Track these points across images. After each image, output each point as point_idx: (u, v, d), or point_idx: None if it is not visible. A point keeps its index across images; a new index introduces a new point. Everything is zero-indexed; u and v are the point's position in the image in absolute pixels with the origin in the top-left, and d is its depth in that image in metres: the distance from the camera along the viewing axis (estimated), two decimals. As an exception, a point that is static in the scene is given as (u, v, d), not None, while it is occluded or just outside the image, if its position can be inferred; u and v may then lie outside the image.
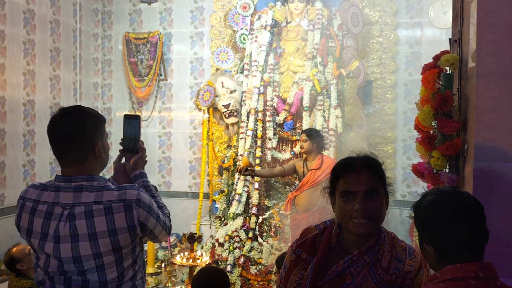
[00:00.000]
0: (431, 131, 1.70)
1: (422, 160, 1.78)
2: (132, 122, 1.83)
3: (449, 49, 1.82)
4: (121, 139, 1.84)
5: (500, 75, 1.48)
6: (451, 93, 1.64)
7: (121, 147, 1.84)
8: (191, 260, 3.54)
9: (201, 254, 3.72)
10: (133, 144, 1.81)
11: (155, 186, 1.86)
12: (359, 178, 1.43)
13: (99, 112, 6.28)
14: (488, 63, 1.48)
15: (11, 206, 4.71)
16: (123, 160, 1.84)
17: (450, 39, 1.81)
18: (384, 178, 1.50)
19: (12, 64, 4.94)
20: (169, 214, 1.80)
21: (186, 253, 3.72)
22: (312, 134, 4.46)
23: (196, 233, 3.82)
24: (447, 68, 1.70)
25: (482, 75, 1.49)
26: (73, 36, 6.04)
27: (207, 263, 3.59)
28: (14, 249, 3.11)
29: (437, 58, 1.71)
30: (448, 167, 1.68)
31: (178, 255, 3.64)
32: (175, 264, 3.71)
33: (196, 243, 4.94)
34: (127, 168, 1.83)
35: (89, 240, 1.55)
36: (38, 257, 1.64)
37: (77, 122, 1.63)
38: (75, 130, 1.62)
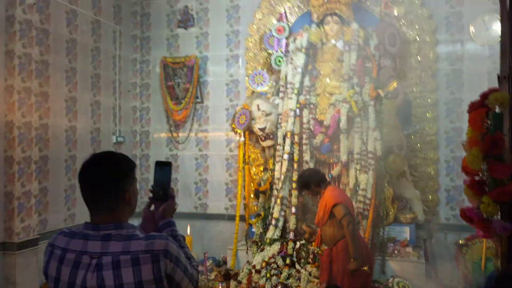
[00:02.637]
0: (480, 174, 1.59)
1: (470, 205, 1.66)
2: (163, 169, 1.82)
3: (497, 85, 1.71)
4: (151, 186, 1.83)
5: (558, 118, 1.37)
6: (502, 134, 1.54)
7: (150, 194, 1.83)
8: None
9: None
10: (163, 191, 1.79)
11: (183, 236, 1.82)
12: None
13: (138, 134, 6.43)
14: (543, 104, 1.37)
15: (53, 231, 4.82)
16: (153, 207, 1.82)
17: (498, 75, 1.69)
18: None
19: (54, 92, 5.11)
20: (197, 266, 1.76)
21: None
22: (300, 183, 4.23)
23: (232, 270, 3.75)
24: (497, 107, 1.60)
25: (536, 118, 1.38)
26: (113, 62, 6.21)
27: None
28: None
29: (484, 96, 1.61)
30: (500, 213, 1.56)
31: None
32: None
33: (232, 268, 4.90)
34: (156, 216, 1.81)
35: None
36: None
37: (109, 169, 1.63)
38: (107, 177, 1.61)
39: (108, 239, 1.57)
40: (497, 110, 1.62)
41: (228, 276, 3.63)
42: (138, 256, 1.54)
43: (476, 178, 1.59)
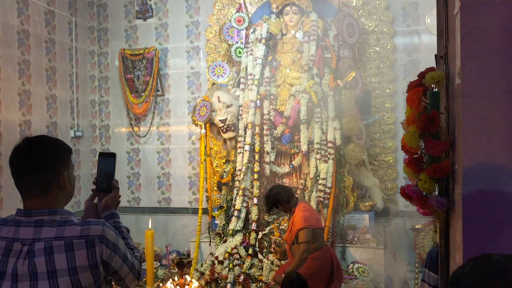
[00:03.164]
0: (418, 152, 1.62)
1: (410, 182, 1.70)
2: (107, 160, 1.78)
3: (435, 65, 1.75)
4: (95, 178, 1.79)
5: (487, 94, 1.40)
6: (438, 112, 1.57)
7: (93, 186, 1.79)
8: (179, 287, 3.45)
9: (191, 280, 3.62)
10: (107, 183, 1.75)
11: (128, 228, 1.78)
12: None
13: (97, 129, 6.28)
14: (474, 81, 1.41)
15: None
16: (96, 200, 1.77)
17: (435, 55, 1.73)
18: None
19: (6, 85, 4.92)
20: (140, 257, 1.72)
21: (176, 279, 3.63)
22: (269, 202, 4.00)
23: (185, 259, 3.72)
24: (434, 86, 1.63)
25: (467, 94, 1.42)
26: (69, 55, 6.03)
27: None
28: None
29: (422, 75, 1.64)
30: (437, 190, 1.60)
31: (169, 282, 3.55)
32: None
33: (194, 262, 4.87)
34: (99, 208, 1.76)
35: (48, 279, 1.46)
36: None
37: (41, 151, 1.57)
38: (38, 160, 1.55)
39: (41, 225, 1.52)
40: (435, 89, 1.66)
41: (181, 264, 3.60)
42: (72, 242, 1.49)
43: (415, 156, 1.62)
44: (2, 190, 4.81)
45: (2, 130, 4.86)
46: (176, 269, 3.70)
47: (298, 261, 3.75)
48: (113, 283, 1.68)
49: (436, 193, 1.60)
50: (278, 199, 3.94)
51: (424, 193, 1.59)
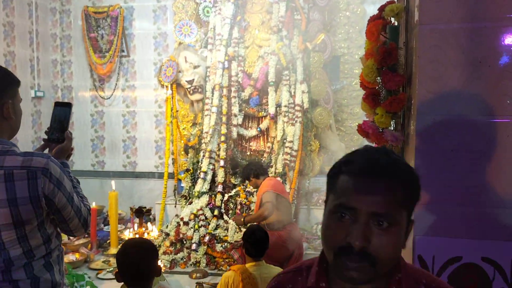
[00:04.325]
0: (376, 88, 1.60)
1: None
2: (62, 110, 1.71)
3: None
4: (47, 128, 1.71)
5: (445, 23, 1.39)
6: (397, 45, 1.55)
7: (45, 136, 1.71)
8: (138, 235, 3.39)
9: (151, 229, 3.57)
10: (60, 133, 1.68)
11: (78, 180, 1.71)
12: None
13: (59, 89, 6.06)
14: (432, 8, 1.38)
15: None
16: (47, 151, 1.69)
17: (396, -11, 1.71)
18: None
19: (-41, 38, 4.65)
20: (89, 208, 1.65)
21: (135, 228, 3.57)
22: (242, 175, 4.49)
23: (144, 207, 3.67)
24: (394, 20, 1.60)
25: (425, 23, 1.39)
26: (29, 10, 5.74)
27: (157, 237, 3.43)
28: None
29: (382, 8, 1.61)
30: (393, 125, 1.59)
31: (128, 230, 3.49)
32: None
33: (159, 224, 4.82)
34: None
35: None
36: None
37: None
38: None
39: None
40: (395, 23, 1.63)
41: (140, 212, 3.55)
42: (13, 172, 1.42)
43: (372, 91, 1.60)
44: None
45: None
46: (136, 219, 3.64)
47: (258, 216, 3.87)
48: (58, 230, 1.61)
49: (392, 128, 1.59)
50: (249, 174, 4.24)
51: (380, 129, 1.58)
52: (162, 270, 2.18)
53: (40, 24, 5.93)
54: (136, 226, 3.52)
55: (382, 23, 1.56)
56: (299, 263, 1.05)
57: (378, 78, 1.57)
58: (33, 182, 1.43)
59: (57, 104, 1.75)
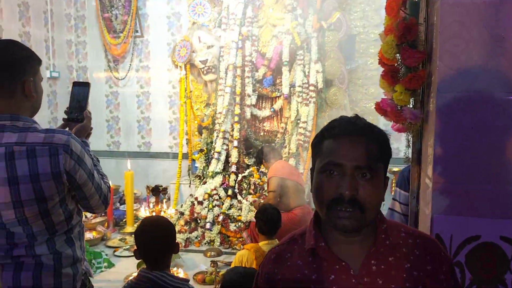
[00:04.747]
0: (395, 65, 1.57)
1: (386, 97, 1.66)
2: (80, 89, 1.72)
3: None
4: (67, 108, 1.72)
5: (467, -3, 1.35)
6: (417, 21, 1.51)
7: (65, 116, 1.72)
8: (155, 213, 3.44)
9: (167, 207, 3.61)
10: (79, 112, 1.70)
11: (98, 158, 1.73)
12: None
13: (74, 70, 6.10)
14: (454, -17, 1.35)
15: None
16: (67, 129, 1.71)
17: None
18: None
19: (-25, 18, 4.68)
20: (109, 186, 1.68)
21: (151, 206, 3.62)
22: (255, 158, 4.74)
23: (161, 186, 3.71)
24: (414, -5, 1.57)
25: (447, -3, 1.36)
26: (43, -10, 5.74)
27: (173, 215, 3.47)
28: None
29: (402, -17, 1.57)
30: (412, 103, 1.57)
31: (143, 208, 3.54)
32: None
33: (174, 203, 4.87)
34: None
35: (9, 185, 1.41)
36: None
37: (7, 52, 1.48)
38: (3, 58, 1.47)
39: (2, 130, 1.45)
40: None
41: (157, 190, 3.59)
42: (35, 148, 1.43)
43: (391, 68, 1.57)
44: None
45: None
46: (152, 197, 3.68)
47: (265, 202, 3.88)
48: (79, 206, 1.64)
49: (411, 105, 1.57)
50: (261, 157, 4.45)
51: (399, 106, 1.56)
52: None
53: (54, 4, 5.94)
54: (151, 204, 3.55)
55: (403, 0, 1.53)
56: (291, 234, 1.14)
57: (398, 54, 1.54)
58: (55, 158, 1.44)
59: (75, 84, 1.76)
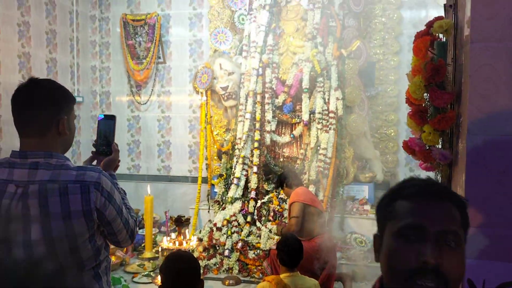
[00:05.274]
0: (423, 105, 1.58)
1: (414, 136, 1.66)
2: (107, 122, 1.75)
3: (443, 15, 1.70)
4: (94, 140, 1.76)
5: (497, 41, 1.35)
6: (445, 62, 1.52)
7: (93, 149, 1.76)
8: (178, 243, 3.44)
9: (189, 238, 3.62)
10: (106, 145, 1.73)
11: (124, 191, 1.75)
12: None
13: (98, 95, 6.23)
14: (484, 27, 1.36)
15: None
16: (95, 162, 1.75)
17: (444, 5, 1.68)
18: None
19: (7, 46, 4.85)
20: (136, 219, 1.69)
21: (173, 236, 3.63)
22: (276, 182, 4.62)
23: (183, 216, 3.72)
24: (441, 36, 1.58)
25: (477, 41, 1.37)
26: (70, 18, 5.93)
27: (195, 246, 3.48)
28: None
29: (429, 25, 1.59)
30: (441, 143, 1.56)
31: (165, 238, 3.55)
32: (166, 248, 3.61)
33: (193, 229, 4.88)
34: None
35: (41, 222, 1.44)
36: None
37: (44, 91, 1.54)
38: (39, 97, 1.52)
39: (36, 167, 1.49)
40: (443, 39, 1.61)
41: (180, 221, 3.60)
42: (67, 186, 1.46)
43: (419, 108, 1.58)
44: (1, 153, 4.79)
45: (2, 91, 4.81)
46: (175, 227, 3.69)
47: (286, 231, 3.86)
48: (107, 241, 1.66)
49: (440, 146, 1.57)
50: (282, 181, 4.27)
51: (427, 146, 1.56)
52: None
53: (80, 32, 6.12)
54: (173, 234, 3.57)
55: (430, 39, 1.54)
56: None
57: (425, 94, 1.55)
58: (86, 196, 1.47)
59: (102, 118, 1.79)
